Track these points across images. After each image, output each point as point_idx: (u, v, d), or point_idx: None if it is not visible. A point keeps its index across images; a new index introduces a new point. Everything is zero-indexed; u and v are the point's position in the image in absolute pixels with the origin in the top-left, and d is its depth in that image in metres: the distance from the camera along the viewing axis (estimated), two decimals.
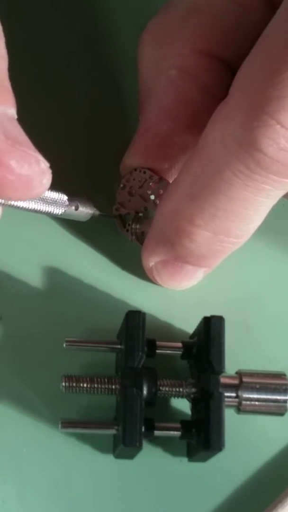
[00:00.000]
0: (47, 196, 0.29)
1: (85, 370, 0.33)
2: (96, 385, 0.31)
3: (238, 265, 0.35)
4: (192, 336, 0.33)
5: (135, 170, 0.34)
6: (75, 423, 0.31)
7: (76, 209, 0.31)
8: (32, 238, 0.35)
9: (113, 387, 0.31)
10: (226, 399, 0.30)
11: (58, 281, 0.34)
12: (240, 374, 0.32)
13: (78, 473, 0.32)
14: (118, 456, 0.32)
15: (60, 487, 0.32)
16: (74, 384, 0.31)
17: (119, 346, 0.32)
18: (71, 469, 0.32)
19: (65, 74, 0.38)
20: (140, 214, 0.34)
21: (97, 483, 0.32)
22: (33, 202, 0.29)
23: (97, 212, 0.33)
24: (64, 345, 0.32)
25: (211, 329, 0.31)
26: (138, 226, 0.34)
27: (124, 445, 0.29)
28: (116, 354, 0.33)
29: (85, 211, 0.32)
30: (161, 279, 0.33)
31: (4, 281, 0.34)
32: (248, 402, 0.31)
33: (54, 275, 0.34)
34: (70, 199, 0.30)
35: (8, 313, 0.33)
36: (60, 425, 0.31)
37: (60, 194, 0.30)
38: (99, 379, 0.31)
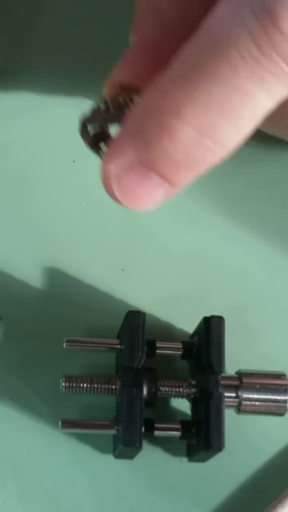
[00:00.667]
0: None
1: (85, 370, 0.33)
2: (96, 385, 0.31)
3: (238, 265, 0.35)
4: (192, 336, 0.33)
5: (121, 86, 0.30)
6: (75, 423, 0.31)
7: None
8: (32, 238, 0.35)
9: (113, 387, 0.31)
10: (226, 399, 0.30)
11: (58, 281, 0.34)
12: (240, 374, 0.32)
13: (78, 473, 0.32)
14: (118, 456, 0.32)
15: (60, 487, 0.32)
16: (74, 384, 0.31)
17: (119, 346, 0.32)
18: (71, 469, 0.32)
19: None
20: (109, 129, 0.30)
21: (97, 483, 0.32)
22: None
23: None
24: (64, 345, 0.32)
25: (211, 329, 0.31)
26: (102, 132, 0.30)
27: (124, 445, 0.29)
28: (116, 354, 0.33)
29: None
30: (120, 190, 0.28)
31: (4, 281, 0.34)
32: (248, 402, 0.31)
33: (54, 275, 0.34)
34: None
35: (8, 313, 0.33)
36: (60, 425, 0.31)
37: None
38: (99, 379, 0.31)
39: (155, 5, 0.29)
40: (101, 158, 0.29)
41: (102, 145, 0.30)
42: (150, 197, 0.28)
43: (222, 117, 0.25)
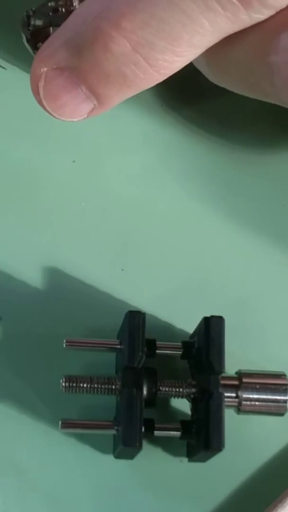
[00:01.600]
0: None
1: (85, 370, 0.33)
2: (96, 385, 0.31)
3: (238, 265, 0.35)
4: (192, 336, 0.33)
5: None
6: (75, 423, 0.31)
7: None
8: (32, 238, 0.35)
9: (113, 387, 0.31)
10: (226, 399, 0.30)
11: (58, 281, 0.34)
12: (240, 374, 0.32)
13: (78, 473, 0.32)
14: (118, 456, 0.32)
15: (60, 487, 0.32)
16: (74, 384, 0.31)
17: (119, 346, 0.32)
18: (71, 469, 0.32)
19: None
20: (51, 28, 0.30)
21: (97, 483, 0.32)
22: None
23: None
24: (64, 345, 0.32)
25: (211, 329, 0.31)
26: (42, 30, 0.30)
27: (124, 445, 0.29)
28: (116, 354, 0.33)
29: None
30: (45, 93, 0.27)
31: (4, 281, 0.34)
32: (248, 402, 0.31)
33: (54, 275, 0.34)
34: None
35: (8, 313, 0.33)
36: (60, 425, 0.31)
37: None
38: (99, 379, 0.31)
39: None
40: (34, 54, 0.29)
41: (40, 44, 0.29)
42: (76, 107, 0.27)
43: (160, 37, 0.25)
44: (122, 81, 0.26)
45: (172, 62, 0.26)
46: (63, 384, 0.31)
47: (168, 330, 0.34)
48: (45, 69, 0.27)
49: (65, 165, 0.36)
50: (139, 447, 0.29)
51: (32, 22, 0.30)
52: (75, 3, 0.29)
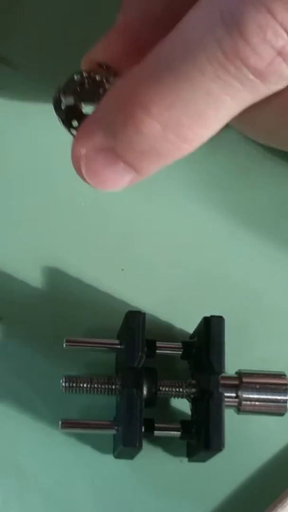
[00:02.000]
0: None
1: (85, 370, 0.33)
2: (96, 385, 0.31)
3: (238, 265, 0.35)
4: (192, 336, 0.33)
5: (99, 65, 0.31)
6: (75, 423, 0.31)
7: None
8: (32, 238, 0.35)
9: (113, 387, 0.31)
10: (226, 399, 0.30)
11: (58, 281, 0.34)
12: (240, 374, 0.32)
13: (78, 473, 0.32)
14: (118, 456, 0.32)
15: (60, 487, 0.32)
16: (74, 384, 0.31)
17: (119, 346, 0.32)
18: (71, 469, 0.32)
19: None
20: (82, 105, 0.31)
21: (97, 483, 0.32)
22: None
23: None
24: (64, 345, 0.32)
25: (211, 329, 0.31)
26: (75, 110, 0.31)
27: (124, 445, 0.29)
28: (116, 354, 0.33)
29: None
30: (86, 170, 0.29)
31: (4, 281, 0.34)
32: (248, 402, 0.31)
33: (54, 275, 0.34)
34: None
35: (8, 313, 0.33)
36: (60, 425, 0.31)
37: None
38: (99, 379, 0.31)
39: None
40: (73, 135, 0.30)
41: (74, 122, 0.30)
42: (117, 180, 0.29)
43: (187, 116, 0.26)
44: (156, 156, 0.28)
45: (201, 135, 0.27)
46: (63, 384, 0.31)
47: (168, 330, 0.34)
48: (84, 150, 0.29)
49: (65, 165, 0.36)
50: (139, 447, 0.29)
51: (63, 102, 0.31)
52: (98, 77, 0.30)
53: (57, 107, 0.31)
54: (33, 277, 0.34)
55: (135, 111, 0.27)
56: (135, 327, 0.30)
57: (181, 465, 0.32)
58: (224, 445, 0.29)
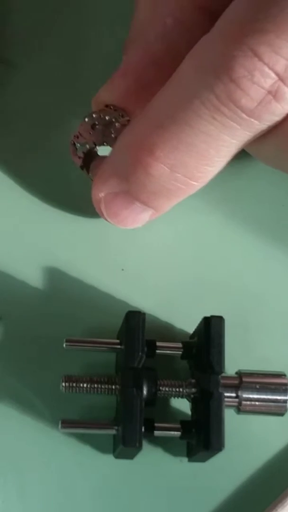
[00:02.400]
0: None
1: (85, 370, 0.33)
2: (96, 385, 0.31)
3: (238, 265, 0.35)
4: (192, 336, 0.33)
5: (106, 106, 0.33)
6: (75, 423, 0.31)
7: None
8: (32, 238, 0.35)
9: (113, 387, 0.31)
10: (226, 399, 0.30)
11: (58, 281, 0.34)
12: (240, 374, 0.32)
13: (78, 473, 0.32)
14: (118, 456, 0.32)
15: (60, 487, 0.32)
16: (74, 384, 0.31)
17: (119, 346, 0.32)
18: (71, 469, 0.32)
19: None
20: (96, 148, 0.33)
21: (97, 483, 0.32)
22: None
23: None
24: (64, 345, 0.32)
25: (211, 329, 0.31)
26: (91, 156, 0.33)
27: (124, 445, 0.29)
28: (116, 354, 0.33)
29: None
30: (107, 212, 0.32)
31: (4, 281, 0.34)
32: (248, 402, 0.31)
33: (54, 275, 0.34)
34: None
35: (8, 313, 0.33)
36: (60, 425, 0.31)
37: None
38: (99, 379, 0.31)
39: (143, 35, 0.32)
40: (91, 178, 0.33)
41: (92, 164, 0.33)
42: (136, 218, 0.32)
43: (191, 157, 0.28)
44: (168, 194, 0.30)
45: (207, 173, 0.29)
46: (63, 384, 0.31)
47: (168, 330, 0.34)
48: (102, 194, 0.32)
49: (65, 165, 0.36)
50: (139, 447, 0.29)
51: (79, 149, 0.33)
52: (108, 117, 0.33)
53: (74, 155, 0.33)
54: (33, 277, 0.34)
55: (142, 156, 0.29)
56: (135, 327, 0.30)
57: (181, 465, 0.32)
58: (224, 445, 0.29)
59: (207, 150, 0.28)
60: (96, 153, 0.33)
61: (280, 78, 0.26)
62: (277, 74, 0.26)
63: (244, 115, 0.27)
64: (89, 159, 0.33)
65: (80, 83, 0.37)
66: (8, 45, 0.37)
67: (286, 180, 0.37)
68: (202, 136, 0.28)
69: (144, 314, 0.31)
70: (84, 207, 0.35)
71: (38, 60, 0.38)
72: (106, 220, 0.33)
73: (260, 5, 0.26)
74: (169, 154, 0.28)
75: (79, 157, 0.33)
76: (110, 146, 0.33)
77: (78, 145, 0.33)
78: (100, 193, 0.32)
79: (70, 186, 0.36)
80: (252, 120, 0.27)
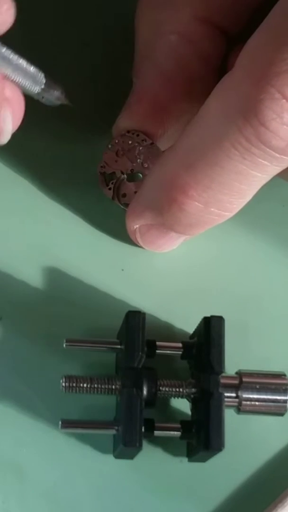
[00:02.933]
0: (27, 69, 0.29)
1: (85, 370, 0.33)
2: (96, 385, 0.31)
3: (238, 265, 0.35)
4: (192, 336, 0.33)
5: (128, 132, 0.34)
6: (75, 423, 0.31)
7: (49, 90, 0.30)
8: (32, 238, 0.35)
9: (113, 387, 0.31)
10: (226, 399, 0.30)
11: (58, 281, 0.34)
12: (240, 374, 0.32)
13: (78, 473, 0.32)
14: (118, 456, 0.32)
15: (60, 487, 0.32)
16: (74, 384, 0.31)
17: (119, 346, 0.32)
18: (71, 469, 0.32)
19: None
20: (125, 176, 0.34)
21: (97, 483, 0.32)
22: (10, 70, 0.29)
23: (65, 100, 0.32)
24: (64, 345, 0.32)
25: (211, 329, 0.31)
26: (121, 187, 0.34)
27: (124, 445, 0.29)
28: (116, 354, 0.33)
29: (55, 95, 0.31)
30: (143, 242, 0.33)
31: (4, 281, 0.34)
32: (248, 402, 0.31)
33: (54, 275, 0.34)
34: (48, 81, 0.30)
35: (8, 313, 0.33)
36: (60, 425, 0.31)
37: (40, 72, 0.30)
38: (99, 379, 0.31)
39: (151, 56, 0.32)
40: (122, 207, 0.34)
41: (121, 193, 0.34)
42: (172, 244, 0.34)
43: (223, 194, 0.29)
44: (203, 224, 0.31)
45: (239, 204, 0.30)
46: (63, 384, 0.31)
47: (168, 330, 0.34)
48: (137, 226, 0.33)
49: (65, 166, 0.36)
50: (139, 447, 0.29)
51: (107, 179, 0.34)
52: (130, 142, 0.34)
53: (104, 187, 0.34)
54: (33, 277, 0.34)
55: (176, 195, 0.30)
56: (135, 327, 0.30)
57: (181, 465, 0.32)
58: (224, 445, 0.29)
59: (238, 186, 0.29)
60: (124, 180, 0.34)
61: None
62: None
63: (274, 154, 0.27)
64: (119, 188, 0.34)
65: None
66: None
67: (286, 180, 0.37)
68: (233, 175, 0.28)
69: (144, 314, 0.31)
70: (84, 207, 0.36)
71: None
72: (142, 247, 0.34)
73: (282, 42, 0.26)
74: (203, 193, 0.29)
75: (109, 189, 0.34)
76: (138, 171, 0.34)
77: (107, 175, 0.34)
78: (134, 225, 0.33)
79: (70, 185, 0.36)
80: (284, 157, 0.27)
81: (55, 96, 0.31)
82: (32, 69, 0.29)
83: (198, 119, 0.29)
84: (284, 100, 0.26)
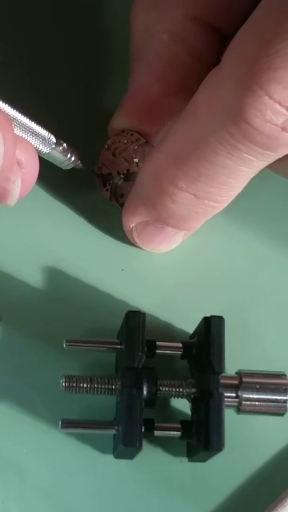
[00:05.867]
0: (37, 131, 0.30)
1: (85, 370, 0.33)
2: (96, 385, 0.31)
3: (238, 266, 0.35)
4: (192, 336, 0.33)
5: (122, 132, 0.34)
6: (75, 423, 0.31)
7: (63, 152, 0.32)
8: (32, 238, 0.35)
9: (113, 387, 0.31)
10: (226, 399, 0.30)
11: (58, 281, 0.34)
12: (240, 374, 0.32)
13: (78, 473, 0.32)
14: (118, 456, 0.32)
15: (60, 487, 0.32)
16: (74, 384, 0.31)
17: (119, 346, 0.32)
18: (71, 469, 0.32)
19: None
20: (122, 176, 0.34)
21: (97, 483, 0.32)
22: (22, 132, 0.30)
23: (79, 165, 0.33)
24: (64, 345, 0.32)
25: (211, 329, 0.31)
26: (118, 187, 0.34)
27: (124, 445, 0.29)
28: (116, 354, 0.33)
29: (69, 158, 0.32)
30: (140, 240, 0.34)
31: (4, 281, 0.34)
32: (248, 402, 0.31)
33: (54, 275, 0.34)
34: (58, 142, 0.31)
35: (8, 313, 0.33)
36: (60, 425, 0.31)
37: (50, 134, 0.31)
38: (99, 379, 0.31)
39: (144, 55, 0.33)
40: (120, 207, 0.34)
41: (119, 194, 0.35)
42: (170, 241, 0.33)
43: (211, 186, 0.30)
44: (197, 215, 0.31)
45: (229, 196, 0.31)
46: (63, 384, 0.31)
47: (168, 330, 0.34)
48: (133, 224, 0.33)
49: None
50: (139, 447, 0.29)
51: (104, 182, 0.35)
52: (125, 140, 0.34)
53: (102, 188, 0.35)
54: (33, 277, 0.34)
55: (166, 186, 0.30)
56: (135, 327, 0.30)
57: (181, 465, 0.32)
58: (224, 445, 0.29)
59: (226, 180, 0.29)
60: (121, 181, 0.35)
61: None
62: None
63: (259, 149, 0.27)
64: (116, 188, 0.35)
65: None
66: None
67: (287, 180, 0.37)
68: (220, 169, 0.29)
69: (144, 314, 0.31)
70: (84, 207, 0.36)
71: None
72: (141, 248, 0.34)
73: (266, 39, 0.26)
74: (191, 185, 0.30)
75: (107, 190, 0.35)
76: (134, 171, 0.34)
77: (104, 176, 0.35)
78: (130, 224, 0.33)
79: (70, 185, 0.36)
80: (268, 152, 0.27)
81: (69, 160, 0.33)
82: (43, 131, 0.31)
83: (186, 113, 0.29)
84: (266, 97, 0.26)
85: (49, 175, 0.35)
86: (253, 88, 0.26)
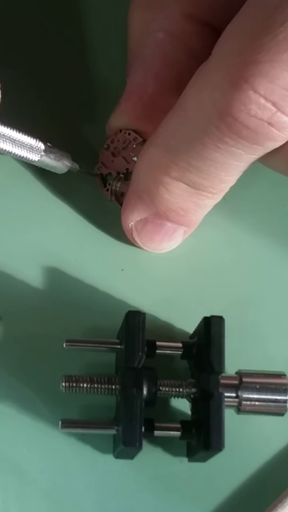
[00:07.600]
0: (23, 141, 0.31)
1: (85, 370, 0.33)
2: (96, 385, 0.31)
3: (238, 266, 0.35)
4: (192, 336, 0.33)
5: (120, 131, 0.34)
6: (75, 423, 0.31)
7: (54, 158, 0.32)
8: (32, 238, 0.35)
9: (113, 387, 0.31)
10: (226, 399, 0.30)
11: (58, 281, 0.34)
12: (240, 374, 0.32)
13: (78, 473, 0.32)
14: (118, 456, 0.32)
15: (60, 487, 0.32)
16: (74, 384, 0.31)
17: (119, 346, 0.32)
18: (71, 469, 0.32)
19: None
20: (121, 175, 0.35)
21: (97, 483, 0.32)
22: (9, 144, 0.30)
23: (76, 167, 0.34)
24: (64, 345, 0.32)
25: (211, 329, 0.31)
26: (118, 186, 0.35)
27: (124, 445, 0.29)
28: (116, 354, 0.33)
29: (61, 163, 0.32)
30: (140, 240, 0.34)
31: (4, 281, 0.34)
32: (248, 402, 0.31)
33: (54, 275, 0.34)
34: (47, 148, 0.32)
35: (8, 313, 0.33)
36: (60, 425, 0.31)
37: (38, 141, 0.31)
38: (99, 379, 0.31)
39: (140, 54, 0.33)
40: (120, 207, 0.34)
41: (119, 193, 0.35)
42: (170, 240, 0.33)
43: (202, 178, 0.30)
44: (196, 207, 0.32)
45: (222, 188, 0.31)
46: (63, 384, 0.31)
47: (168, 330, 0.34)
48: (132, 222, 0.33)
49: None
50: (139, 447, 0.29)
51: (104, 182, 0.35)
52: (123, 139, 0.34)
53: (102, 188, 0.35)
54: (33, 277, 0.34)
55: (160, 176, 0.31)
56: (135, 327, 0.30)
57: (181, 465, 0.32)
58: (224, 445, 0.29)
59: (216, 172, 0.29)
60: (122, 178, 0.35)
61: (278, 108, 0.26)
62: (274, 104, 0.26)
63: (246, 143, 0.27)
64: (116, 189, 0.35)
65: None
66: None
67: (287, 180, 0.37)
68: (209, 162, 0.29)
69: (144, 314, 0.31)
70: (84, 207, 0.36)
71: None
72: (142, 248, 0.34)
73: (253, 33, 0.26)
74: (183, 176, 0.30)
75: (107, 190, 0.35)
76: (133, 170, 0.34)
77: (104, 176, 0.35)
78: (129, 223, 0.33)
79: (71, 185, 0.36)
80: (256, 146, 0.28)
81: (62, 165, 0.33)
82: (29, 140, 0.31)
83: (177, 106, 0.29)
84: (251, 91, 0.26)
85: (49, 175, 0.35)
86: (239, 82, 0.26)
